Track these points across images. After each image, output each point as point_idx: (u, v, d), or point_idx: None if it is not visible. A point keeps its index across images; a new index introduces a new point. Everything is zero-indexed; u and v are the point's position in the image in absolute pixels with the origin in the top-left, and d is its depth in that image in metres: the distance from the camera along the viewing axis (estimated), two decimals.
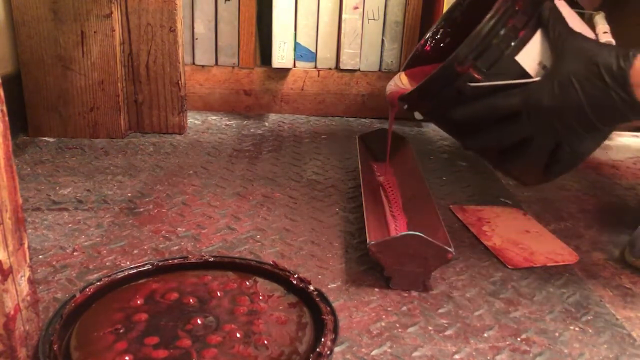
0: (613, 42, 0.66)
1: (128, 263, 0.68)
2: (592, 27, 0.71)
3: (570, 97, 0.61)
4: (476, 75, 0.63)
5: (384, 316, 0.60)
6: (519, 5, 0.63)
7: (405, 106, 0.72)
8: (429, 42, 0.79)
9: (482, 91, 0.64)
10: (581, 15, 0.70)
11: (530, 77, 0.64)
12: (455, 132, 0.74)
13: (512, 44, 0.64)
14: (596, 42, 0.63)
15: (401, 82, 0.75)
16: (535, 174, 0.72)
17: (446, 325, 0.59)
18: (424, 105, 0.71)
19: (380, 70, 1.31)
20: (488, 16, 0.63)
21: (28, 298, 0.48)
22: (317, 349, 0.49)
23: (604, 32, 0.68)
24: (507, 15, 0.63)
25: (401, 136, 1.00)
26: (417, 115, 0.73)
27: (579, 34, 0.63)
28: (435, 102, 0.68)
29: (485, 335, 0.58)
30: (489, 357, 0.55)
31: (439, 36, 0.79)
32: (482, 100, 0.64)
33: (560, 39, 0.63)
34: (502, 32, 0.63)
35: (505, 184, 0.97)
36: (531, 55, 0.65)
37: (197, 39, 1.28)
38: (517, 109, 0.63)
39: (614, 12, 0.73)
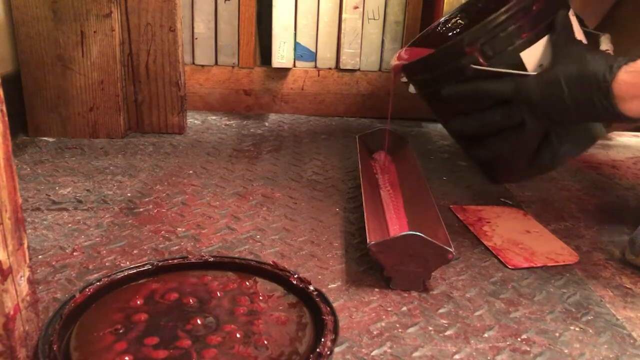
0: None
1: (128, 263, 0.68)
2: (597, 47, 0.75)
3: (555, 95, 0.64)
4: (481, 59, 0.68)
5: (384, 316, 0.60)
6: (536, 5, 0.68)
7: (403, 78, 0.77)
8: (440, 27, 0.82)
9: (481, 75, 0.68)
10: (588, 35, 0.74)
11: (525, 74, 0.68)
12: (442, 112, 0.79)
13: (520, 40, 0.68)
14: (592, 49, 0.66)
15: (402, 55, 0.80)
16: (517, 167, 0.77)
17: (446, 325, 0.59)
18: (422, 78, 0.75)
19: (380, 70, 1.31)
20: (504, 9, 0.67)
21: (28, 298, 0.48)
22: (317, 349, 0.49)
23: (606, 50, 0.72)
24: (521, 13, 0.67)
25: (401, 136, 1.00)
26: (411, 88, 0.77)
27: (580, 42, 0.68)
28: (433, 76, 0.73)
29: (486, 335, 0.58)
30: (489, 357, 0.55)
31: (450, 25, 0.82)
32: (476, 83, 0.69)
33: (561, 43, 0.67)
34: (512, 27, 0.67)
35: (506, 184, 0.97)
36: (534, 55, 0.69)
37: (196, 38, 1.28)
38: (507, 97, 0.68)
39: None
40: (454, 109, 0.74)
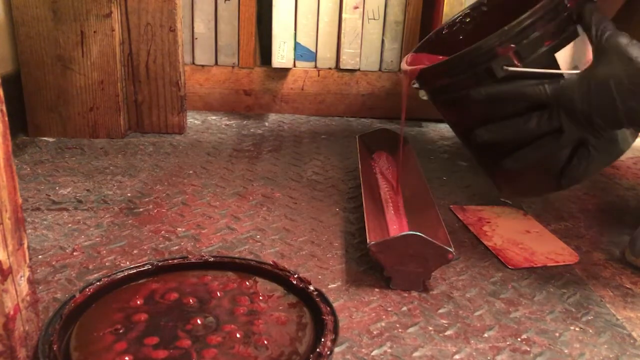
0: None
1: (128, 263, 0.67)
2: None
3: (604, 99, 0.59)
4: (515, 61, 0.63)
5: (384, 316, 0.60)
6: (571, 3, 0.63)
7: (415, 84, 0.72)
8: (444, 30, 0.80)
9: (514, 76, 0.64)
10: None
11: (561, 73, 0.64)
12: (460, 119, 0.73)
13: (555, 40, 0.64)
14: (638, 45, 0.60)
15: (408, 61, 0.76)
16: (545, 179, 0.71)
17: (446, 325, 0.59)
18: (440, 83, 0.70)
19: (380, 70, 1.31)
20: (538, 6, 0.63)
21: (28, 298, 0.48)
22: (317, 349, 0.49)
23: None
24: (554, 11, 0.63)
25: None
26: (422, 94, 0.74)
27: (625, 34, 0.61)
28: (456, 80, 0.67)
29: (486, 335, 0.58)
30: (489, 357, 0.55)
31: (455, 28, 0.80)
32: (511, 84, 0.64)
33: (603, 36, 0.61)
34: (547, 26, 0.63)
35: None
36: (569, 55, 0.65)
37: (197, 38, 1.28)
38: (545, 100, 0.62)
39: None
40: (476, 117, 0.68)
